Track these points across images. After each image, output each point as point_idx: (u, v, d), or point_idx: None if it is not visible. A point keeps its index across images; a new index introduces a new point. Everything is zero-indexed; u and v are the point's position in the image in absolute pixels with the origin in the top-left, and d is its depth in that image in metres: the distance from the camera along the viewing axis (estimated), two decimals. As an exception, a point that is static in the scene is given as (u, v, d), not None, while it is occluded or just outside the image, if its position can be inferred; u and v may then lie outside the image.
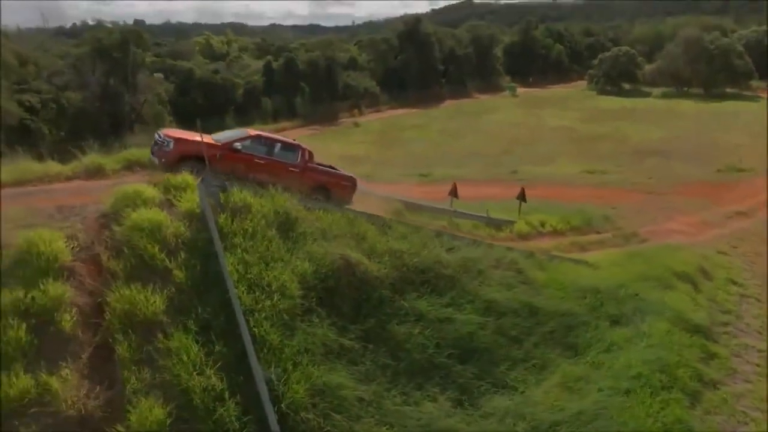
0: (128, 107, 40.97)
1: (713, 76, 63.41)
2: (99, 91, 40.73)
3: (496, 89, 77.45)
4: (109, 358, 7.45)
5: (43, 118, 36.67)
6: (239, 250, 8.74)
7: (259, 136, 12.16)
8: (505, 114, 55.90)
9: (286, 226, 9.51)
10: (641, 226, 19.97)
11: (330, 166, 13.08)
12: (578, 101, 62.50)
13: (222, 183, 9.47)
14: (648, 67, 69.61)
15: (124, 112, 40.65)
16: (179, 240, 8.68)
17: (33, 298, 7.30)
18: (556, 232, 18.22)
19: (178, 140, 11.21)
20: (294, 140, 12.86)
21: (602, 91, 68.89)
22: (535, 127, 47.21)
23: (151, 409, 6.81)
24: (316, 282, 8.91)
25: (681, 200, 24.22)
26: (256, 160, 11.55)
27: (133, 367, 7.25)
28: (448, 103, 67.80)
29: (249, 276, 8.48)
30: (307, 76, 55.85)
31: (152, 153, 11.62)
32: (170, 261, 8.35)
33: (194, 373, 7.25)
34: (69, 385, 6.91)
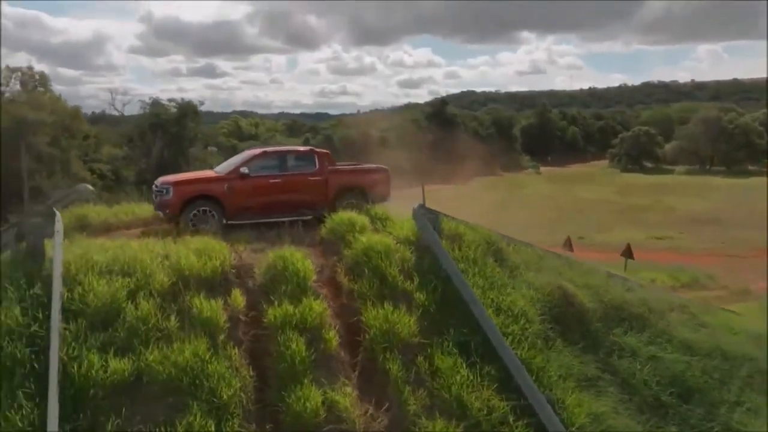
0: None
1: (734, 153, 65.41)
2: (155, 163, 41.78)
3: (518, 167, 79.61)
4: (370, 378, 7.05)
5: (102, 186, 37.42)
6: (469, 276, 8.56)
7: (265, 153, 10.57)
8: (538, 188, 56.97)
9: (499, 256, 9.38)
10: (745, 284, 19.73)
11: (354, 163, 11.69)
12: (605, 177, 63.98)
13: (434, 212, 9.45)
14: (668, 146, 71.93)
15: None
16: (407, 264, 8.51)
17: (302, 313, 7.05)
18: (668, 289, 17.93)
19: (177, 184, 9.80)
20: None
21: (625, 169, 70.72)
22: (574, 199, 47.93)
23: (436, 428, 6.37)
24: (546, 310, 8.65)
25: (764, 263, 24.08)
26: (271, 181, 10.01)
27: (408, 388, 6.85)
28: (476, 180, 69.24)
29: (487, 300, 8.24)
30: (343, 151, 57.67)
31: (155, 207, 9.99)
32: (408, 283, 8.15)
33: (472, 393, 6.85)
34: (354, 404, 6.50)
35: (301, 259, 7.83)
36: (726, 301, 17.09)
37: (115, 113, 44.24)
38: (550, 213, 40.81)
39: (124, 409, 5.64)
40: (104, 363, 5.87)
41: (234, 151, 52.50)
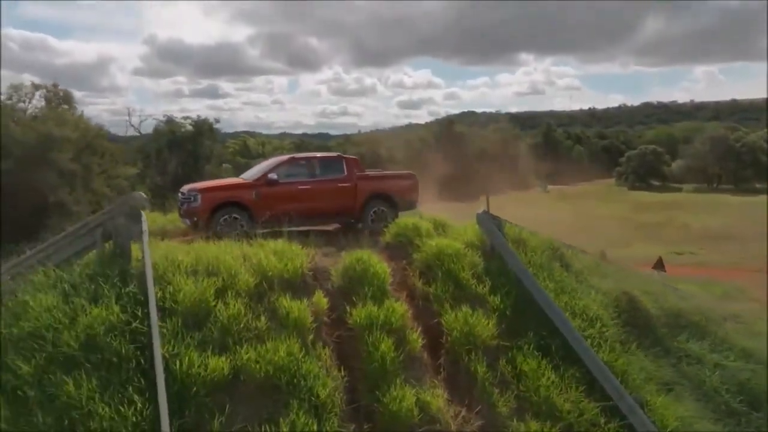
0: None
1: (742, 171, 65.63)
2: (170, 180, 41.91)
3: (524, 186, 79.78)
4: (455, 380, 6.98)
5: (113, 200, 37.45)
6: (539, 280, 8.52)
7: (294, 159, 10.41)
8: (549, 206, 56.92)
9: (564, 261, 9.38)
10: (776, 298, 19.59)
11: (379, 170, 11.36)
12: (614, 195, 64.02)
13: (497, 218, 9.46)
14: (675, 164, 72.19)
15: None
16: (476, 268, 8.49)
17: (386, 315, 7.01)
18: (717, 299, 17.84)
19: (204, 190, 9.56)
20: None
21: (632, 187, 70.81)
22: (588, 216, 47.83)
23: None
24: (616, 314, 8.61)
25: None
26: (300, 187, 9.82)
27: (495, 390, 6.79)
28: (484, 198, 69.08)
29: (560, 304, 8.18)
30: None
31: (181, 215, 9.80)
32: (480, 286, 8.12)
33: (561, 395, 6.78)
34: (445, 406, 6.42)
35: (379, 262, 7.84)
36: (762, 313, 16.99)
37: (134, 132, 44.58)
38: (562, 229, 40.67)
39: (227, 407, 5.58)
40: (203, 361, 5.82)
41: (248, 168, 52.82)
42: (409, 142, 77.51)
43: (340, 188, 10.07)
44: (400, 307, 7.26)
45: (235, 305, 6.51)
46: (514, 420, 6.50)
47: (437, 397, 6.45)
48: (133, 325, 5.92)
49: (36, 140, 26.87)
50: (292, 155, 10.64)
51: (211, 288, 6.62)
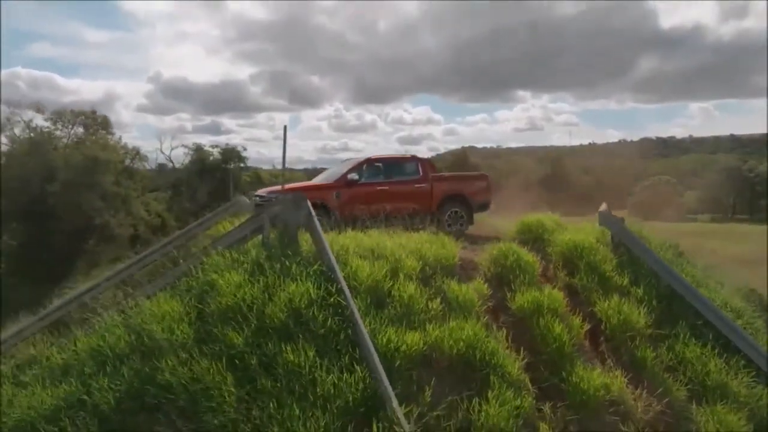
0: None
1: (757, 201, 66.00)
2: (198, 206, 42.09)
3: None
4: (619, 366, 6.90)
5: (149, 224, 37.47)
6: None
7: (370, 160, 10.19)
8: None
9: (688, 258, 9.42)
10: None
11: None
12: (631, 225, 64.09)
13: (618, 217, 9.52)
14: (688, 195, 72.64)
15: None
16: (611, 261, 8.51)
17: (550, 301, 7.01)
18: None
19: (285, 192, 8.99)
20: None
21: (647, 217, 71.00)
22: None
23: (725, 416, 6.20)
24: (751, 306, 8.60)
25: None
26: (379, 188, 9.79)
27: (666, 375, 6.72)
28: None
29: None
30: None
31: None
32: (620, 278, 8.12)
33: (733, 381, 6.71)
34: (625, 388, 6.35)
35: (527, 253, 7.89)
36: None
37: (164, 160, 45.11)
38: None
39: (432, 380, 5.52)
40: (400, 336, 5.79)
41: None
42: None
43: (416, 189, 10.03)
44: (558, 294, 7.26)
45: (411, 287, 6.51)
46: (694, 403, 6.41)
47: (616, 379, 6.38)
48: (331, 299, 5.91)
49: (82, 164, 27.21)
50: (368, 157, 10.49)
51: (383, 270, 6.64)
